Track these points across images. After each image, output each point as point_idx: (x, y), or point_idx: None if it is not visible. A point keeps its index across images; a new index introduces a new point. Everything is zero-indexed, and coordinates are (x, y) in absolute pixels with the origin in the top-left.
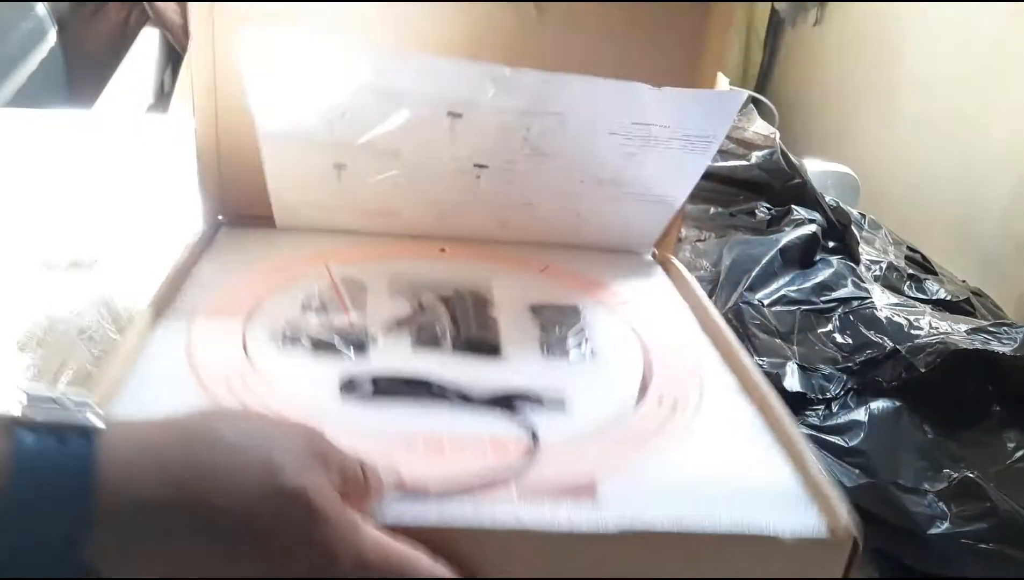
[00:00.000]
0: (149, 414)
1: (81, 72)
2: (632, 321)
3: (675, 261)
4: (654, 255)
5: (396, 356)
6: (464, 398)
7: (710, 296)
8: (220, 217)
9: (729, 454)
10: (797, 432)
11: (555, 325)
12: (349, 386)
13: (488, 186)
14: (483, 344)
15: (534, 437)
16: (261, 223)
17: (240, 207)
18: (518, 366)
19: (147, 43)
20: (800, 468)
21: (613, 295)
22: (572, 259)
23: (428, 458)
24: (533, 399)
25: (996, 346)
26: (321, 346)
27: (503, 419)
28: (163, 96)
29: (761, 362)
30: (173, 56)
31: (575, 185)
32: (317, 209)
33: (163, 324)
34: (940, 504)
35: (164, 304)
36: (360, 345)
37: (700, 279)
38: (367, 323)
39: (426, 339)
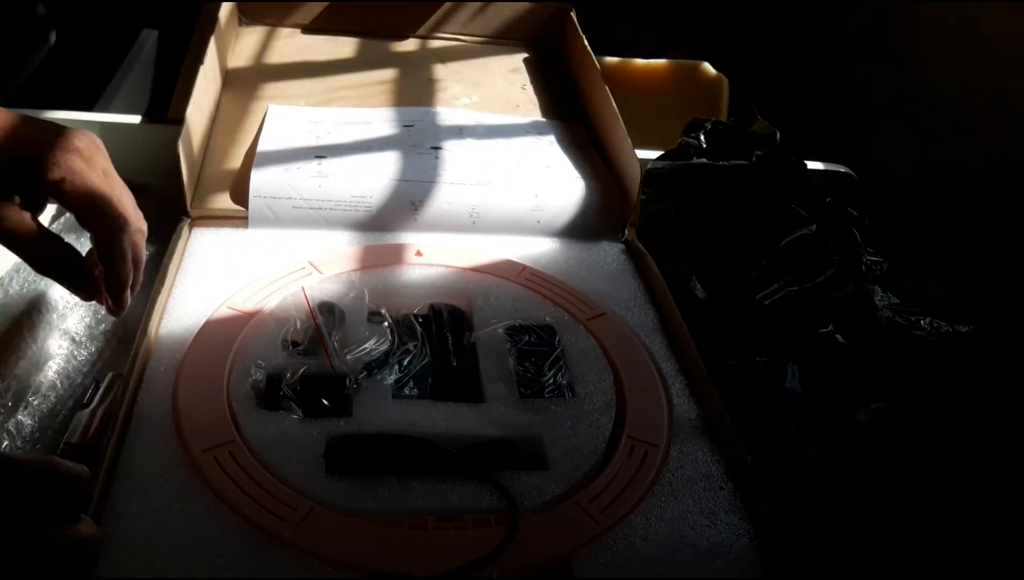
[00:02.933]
0: (146, 502)
1: (81, 72)
2: (605, 340)
3: (641, 248)
4: (627, 242)
5: (378, 409)
6: (447, 471)
7: (711, 296)
8: (191, 216)
9: (692, 516)
10: (757, 478)
11: (531, 356)
12: (335, 463)
13: (446, 163)
14: (462, 382)
15: (515, 512)
16: (229, 223)
17: (211, 206)
18: (498, 413)
19: (146, 44)
20: (755, 517)
21: (587, 308)
22: (544, 255)
23: (414, 537)
24: (512, 458)
25: (997, 348)
26: (306, 406)
27: (485, 488)
28: (162, 97)
29: (762, 363)
30: (172, 57)
31: (515, 166)
32: (295, 207)
33: (147, 380)
34: (940, 503)
35: (145, 348)
36: (343, 401)
37: (701, 280)
38: (348, 367)
39: (407, 379)
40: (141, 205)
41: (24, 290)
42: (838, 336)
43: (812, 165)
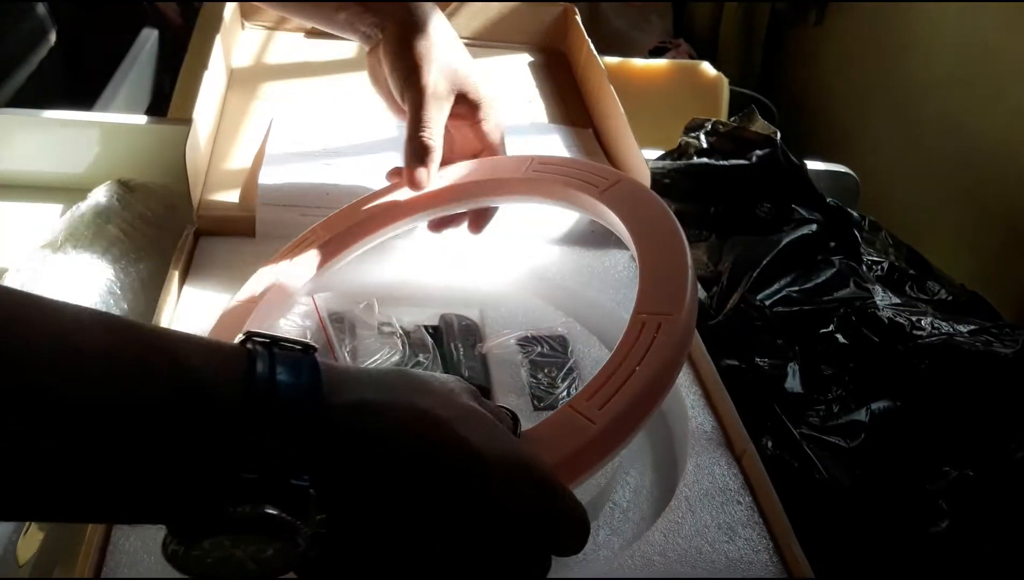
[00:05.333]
0: None
1: (81, 72)
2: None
3: None
4: None
5: None
6: None
7: (711, 297)
8: (196, 222)
9: (710, 531)
10: (773, 493)
11: (544, 367)
12: None
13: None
14: None
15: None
16: (235, 231)
17: (217, 215)
18: None
19: (146, 44)
20: (774, 527)
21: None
22: (554, 263)
23: None
24: None
25: (998, 348)
26: None
27: None
28: (162, 97)
29: (762, 363)
30: (172, 57)
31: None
32: (302, 215)
33: None
34: (940, 504)
35: None
36: None
37: (701, 280)
38: None
39: None
40: (142, 204)
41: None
42: (838, 336)
43: (812, 165)
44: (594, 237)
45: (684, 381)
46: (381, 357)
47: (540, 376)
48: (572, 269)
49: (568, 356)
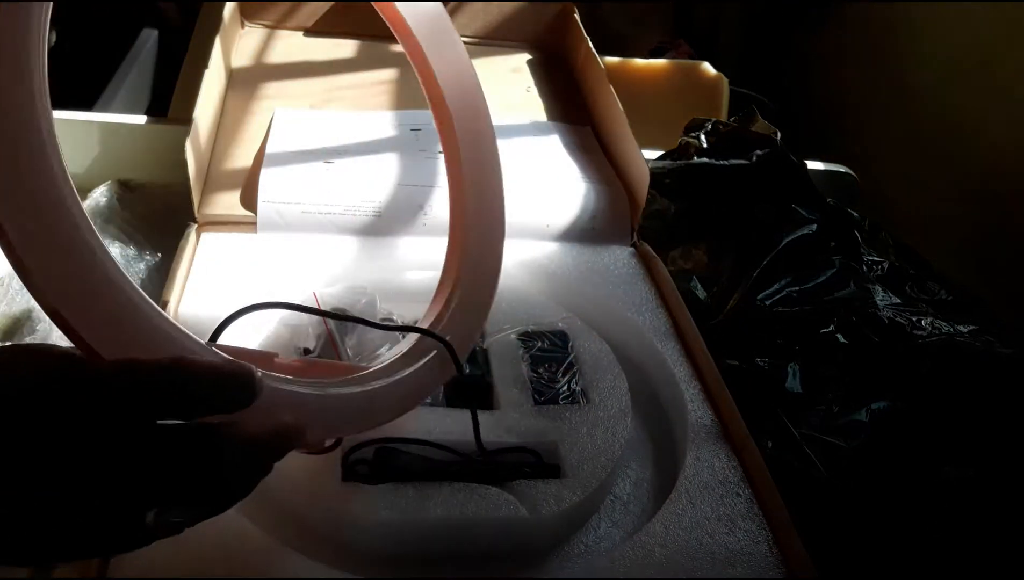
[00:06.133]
0: None
1: (81, 72)
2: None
3: (651, 251)
4: (636, 246)
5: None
6: (462, 477)
7: (711, 296)
8: (198, 221)
9: (710, 523)
10: (772, 486)
11: (545, 362)
12: (350, 470)
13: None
14: (476, 389)
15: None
16: (237, 228)
17: (218, 212)
18: (512, 421)
19: (146, 44)
20: (775, 525)
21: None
22: (554, 260)
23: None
24: (528, 466)
25: (998, 348)
26: None
27: (502, 497)
28: (162, 97)
29: (762, 363)
30: (172, 57)
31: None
32: (304, 212)
33: None
34: (940, 504)
35: None
36: None
37: (701, 279)
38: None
39: None
40: (142, 204)
41: (25, 290)
42: (839, 336)
43: (812, 165)
44: (595, 234)
45: (684, 375)
46: (382, 352)
47: (541, 370)
48: (572, 265)
49: (568, 351)
